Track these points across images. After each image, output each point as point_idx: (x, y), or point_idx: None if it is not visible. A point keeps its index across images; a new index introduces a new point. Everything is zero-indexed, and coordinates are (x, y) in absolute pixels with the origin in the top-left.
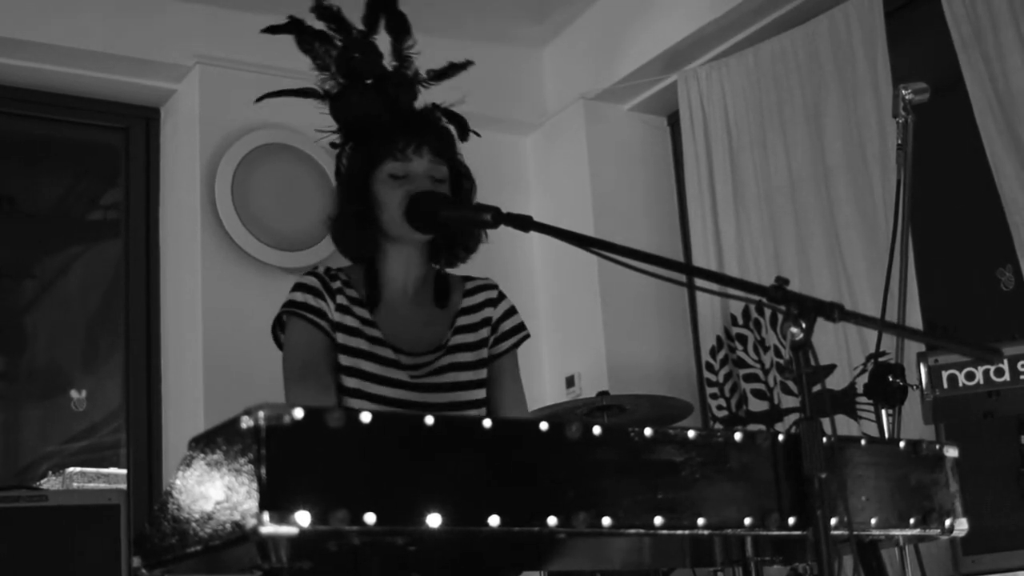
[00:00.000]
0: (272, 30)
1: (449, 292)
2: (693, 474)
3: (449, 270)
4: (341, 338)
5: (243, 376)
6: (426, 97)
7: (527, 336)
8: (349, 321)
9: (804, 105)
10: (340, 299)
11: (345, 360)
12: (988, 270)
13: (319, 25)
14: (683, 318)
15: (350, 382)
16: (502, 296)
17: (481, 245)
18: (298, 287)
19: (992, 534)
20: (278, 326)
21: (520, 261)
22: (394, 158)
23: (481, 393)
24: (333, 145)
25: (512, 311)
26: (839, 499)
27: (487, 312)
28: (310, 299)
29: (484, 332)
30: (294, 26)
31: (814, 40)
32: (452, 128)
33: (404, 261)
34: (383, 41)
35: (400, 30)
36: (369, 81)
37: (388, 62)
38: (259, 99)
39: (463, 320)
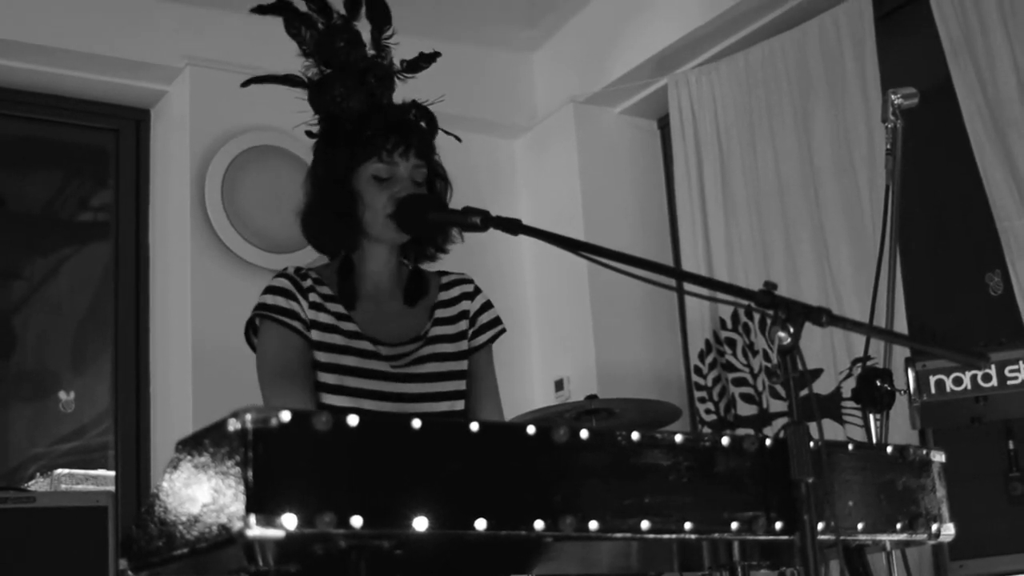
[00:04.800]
0: (260, 10)
1: (424, 290)
2: (680, 478)
3: (423, 266)
4: (316, 335)
5: (231, 379)
6: (424, 93)
7: (503, 330)
8: (323, 318)
9: (793, 109)
10: (313, 296)
11: (323, 356)
12: (977, 275)
13: (303, 8)
14: (672, 322)
15: (329, 378)
16: (478, 290)
17: (471, 248)
18: (268, 289)
19: (979, 539)
20: (251, 329)
21: (509, 265)
22: (379, 159)
23: (462, 384)
24: (309, 134)
25: (488, 305)
26: (826, 504)
27: (464, 305)
28: (280, 301)
29: (463, 325)
30: (282, 7)
31: (804, 45)
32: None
33: (379, 258)
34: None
35: (380, 18)
36: (350, 71)
37: (366, 51)
38: (245, 84)
39: (441, 313)
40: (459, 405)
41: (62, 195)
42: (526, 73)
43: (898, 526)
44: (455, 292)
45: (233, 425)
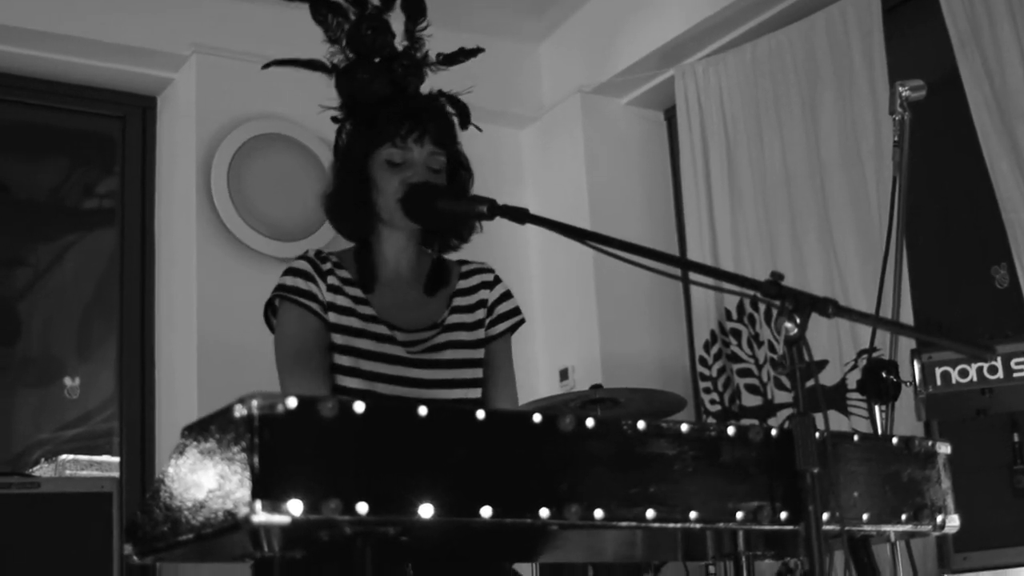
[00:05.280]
0: None
1: (445, 280)
2: (686, 468)
3: (444, 255)
4: (333, 317)
5: (237, 365)
6: (433, 84)
7: (522, 321)
8: (341, 301)
9: (800, 101)
10: (331, 279)
11: (339, 339)
12: (983, 268)
13: None
14: (677, 312)
15: (345, 360)
16: (498, 280)
17: (477, 236)
18: (288, 271)
19: (983, 531)
20: (270, 310)
21: (515, 254)
22: (394, 144)
23: (479, 372)
24: (335, 120)
25: (508, 295)
26: (831, 494)
27: (483, 294)
28: (300, 282)
29: (480, 313)
30: None
31: (811, 36)
32: (454, 116)
33: (397, 244)
34: (396, 20)
35: (415, 10)
36: (378, 59)
37: (399, 42)
38: (265, 66)
39: (459, 301)
40: (473, 393)
41: (68, 182)
42: (532, 63)
43: (903, 517)
44: (474, 281)
45: (239, 411)
